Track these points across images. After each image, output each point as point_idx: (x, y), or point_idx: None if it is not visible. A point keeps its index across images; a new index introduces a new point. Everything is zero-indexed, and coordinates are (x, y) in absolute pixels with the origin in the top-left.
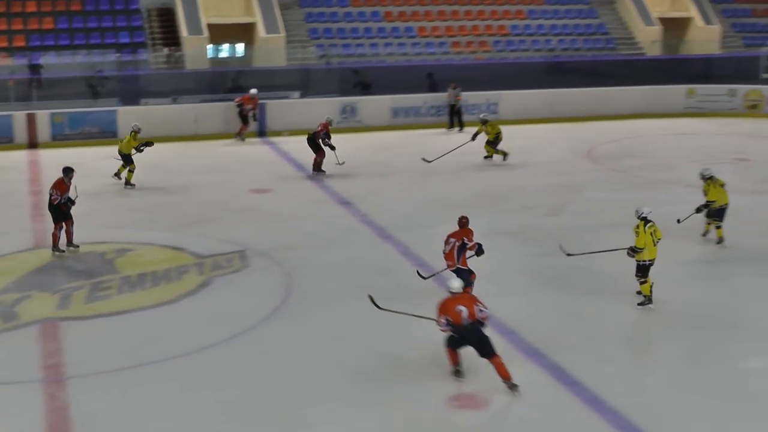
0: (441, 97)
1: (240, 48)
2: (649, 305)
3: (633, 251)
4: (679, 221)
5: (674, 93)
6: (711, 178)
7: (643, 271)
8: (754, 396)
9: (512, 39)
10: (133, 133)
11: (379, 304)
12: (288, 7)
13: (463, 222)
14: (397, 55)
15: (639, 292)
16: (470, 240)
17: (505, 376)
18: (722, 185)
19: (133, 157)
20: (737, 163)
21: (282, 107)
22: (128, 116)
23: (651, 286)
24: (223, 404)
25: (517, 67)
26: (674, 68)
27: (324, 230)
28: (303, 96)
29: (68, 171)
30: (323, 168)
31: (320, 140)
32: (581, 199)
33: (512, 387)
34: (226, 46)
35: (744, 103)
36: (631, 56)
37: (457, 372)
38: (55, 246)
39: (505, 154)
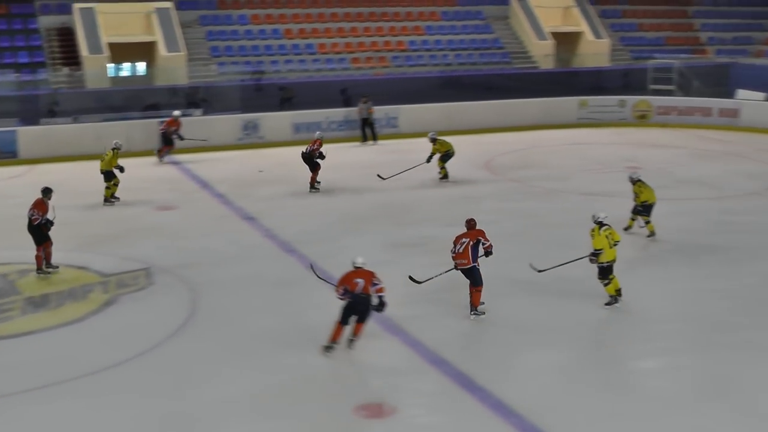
0: (349, 112)
1: (141, 67)
2: (616, 305)
3: (594, 256)
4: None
5: (567, 104)
6: (640, 180)
7: (603, 273)
8: (651, 395)
9: (410, 54)
10: (115, 151)
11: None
12: (189, 25)
13: (472, 224)
14: (298, 71)
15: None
16: (486, 240)
17: (357, 334)
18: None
19: (115, 172)
20: (629, 171)
21: (184, 125)
22: (28, 136)
23: (619, 289)
24: (131, 421)
25: (416, 81)
26: (567, 81)
27: (228, 246)
28: (205, 113)
29: (47, 191)
30: (318, 179)
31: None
32: (481, 209)
33: (351, 341)
34: (127, 65)
35: (633, 113)
36: (525, 70)
37: (329, 348)
38: (40, 268)
39: (445, 175)
